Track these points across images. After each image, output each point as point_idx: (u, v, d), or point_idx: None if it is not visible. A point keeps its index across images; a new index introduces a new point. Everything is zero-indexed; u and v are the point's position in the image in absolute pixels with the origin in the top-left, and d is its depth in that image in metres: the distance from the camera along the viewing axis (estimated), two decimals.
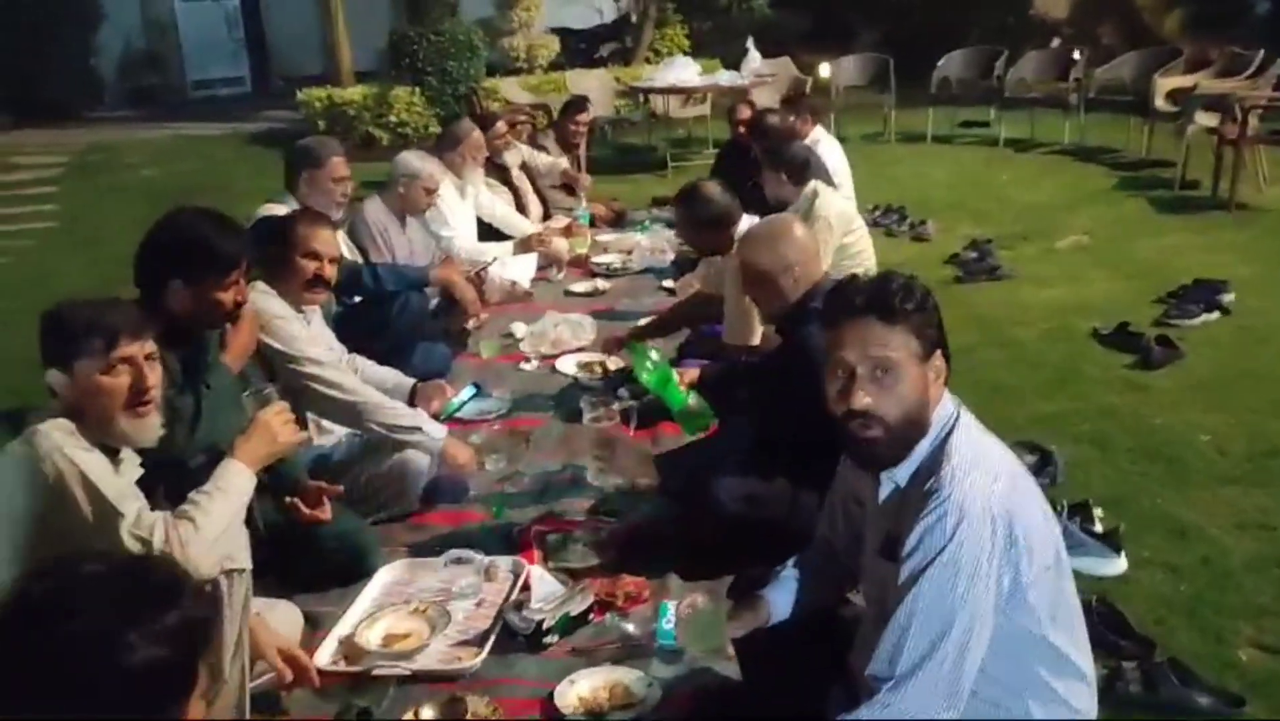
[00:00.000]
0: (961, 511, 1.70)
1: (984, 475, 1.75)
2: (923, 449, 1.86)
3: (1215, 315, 5.11)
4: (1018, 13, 14.60)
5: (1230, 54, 8.96)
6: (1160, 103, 8.53)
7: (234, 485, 2.18)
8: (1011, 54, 10.77)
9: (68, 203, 9.64)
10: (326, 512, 2.87)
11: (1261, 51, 8.25)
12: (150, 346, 2.14)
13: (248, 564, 2.14)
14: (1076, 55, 10.50)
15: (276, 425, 2.32)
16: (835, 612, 2.31)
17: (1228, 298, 5.26)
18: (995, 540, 1.70)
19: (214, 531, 2.04)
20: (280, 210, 3.87)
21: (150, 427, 2.15)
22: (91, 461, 1.99)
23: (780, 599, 2.30)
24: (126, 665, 1.16)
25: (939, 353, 1.85)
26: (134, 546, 1.94)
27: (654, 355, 3.44)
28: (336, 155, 4.28)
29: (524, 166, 6.81)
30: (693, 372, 3.46)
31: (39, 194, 10.12)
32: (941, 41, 11.65)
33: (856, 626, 2.16)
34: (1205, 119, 7.70)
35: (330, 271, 3.29)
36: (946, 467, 1.77)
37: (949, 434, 1.85)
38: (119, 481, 2.04)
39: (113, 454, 2.11)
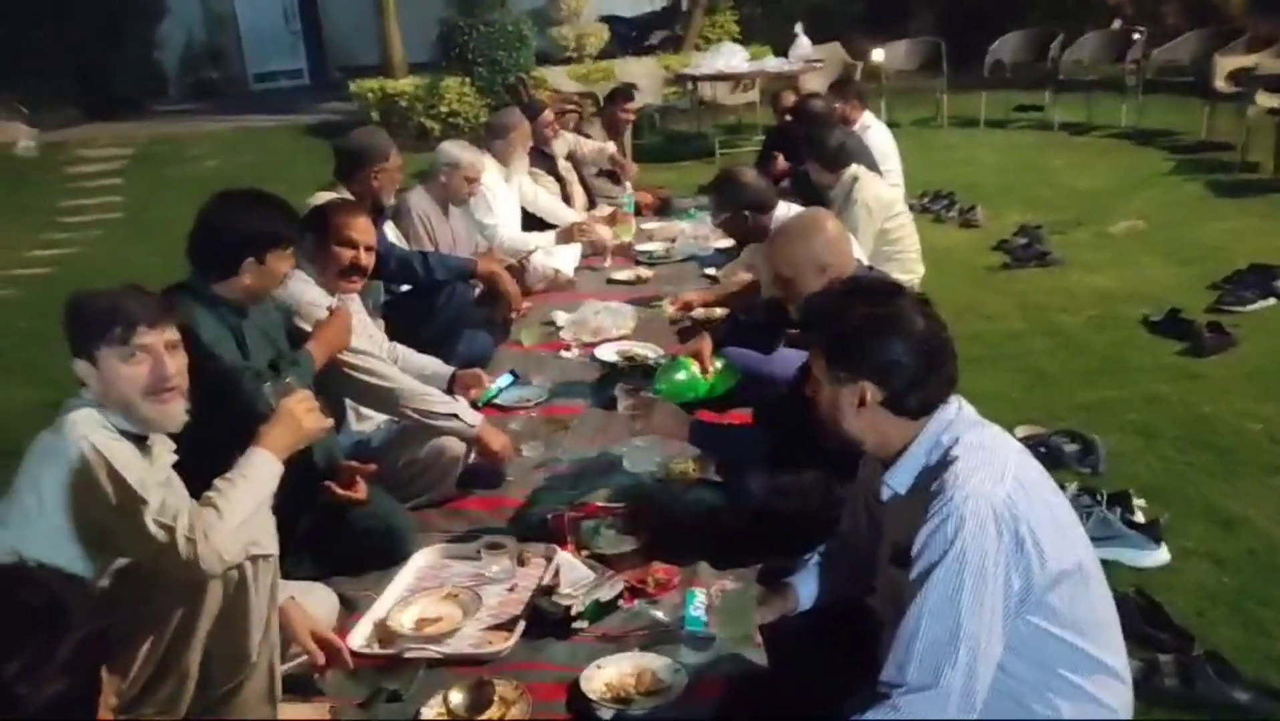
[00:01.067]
0: (964, 514, 1.69)
1: (988, 477, 1.73)
2: (917, 457, 1.86)
3: (1271, 301, 4.98)
4: None
5: None
6: (1221, 83, 8.31)
7: (258, 473, 2.21)
8: (1070, 35, 10.55)
9: (133, 194, 9.90)
10: (361, 492, 2.93)
11: None
12: (172, 334, 2.18)
13: (274, 549, 2.17)
14: (1137, 35, 10.26)
15: (300, 413, 2.35)
16: (864, 603, 2.29)
17: None
18: (1001, 542, 1.68)
19: (238, 518, 2.08)
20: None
21: (174, 414, 2.19)
22: (117, 449, 2.04)
23: (808, 587, 2.31)
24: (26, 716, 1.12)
25: (864, 383, 1.85)
26: (158, 534, 1.98)
27: (681, 374, 3.42)
28: (394, 147, 4.36)
29: (570, 156, 6.84)
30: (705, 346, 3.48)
31: (106, 185, 10.41)
32: (998, 24, 11.45)
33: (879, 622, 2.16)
34: (1267, 99, 7.48)
35: (367, 260, 3.33)
36: (949, 472, 1.76)
37: (949, 439, 1.84)
38: (144, 469, 2.08)
39: (141, 441, 2.16)
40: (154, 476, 2.09)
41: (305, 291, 3.23)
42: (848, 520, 2.29)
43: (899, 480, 1.88)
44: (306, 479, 2.94)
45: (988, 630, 1.68)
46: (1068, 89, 10.10)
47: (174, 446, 2.27)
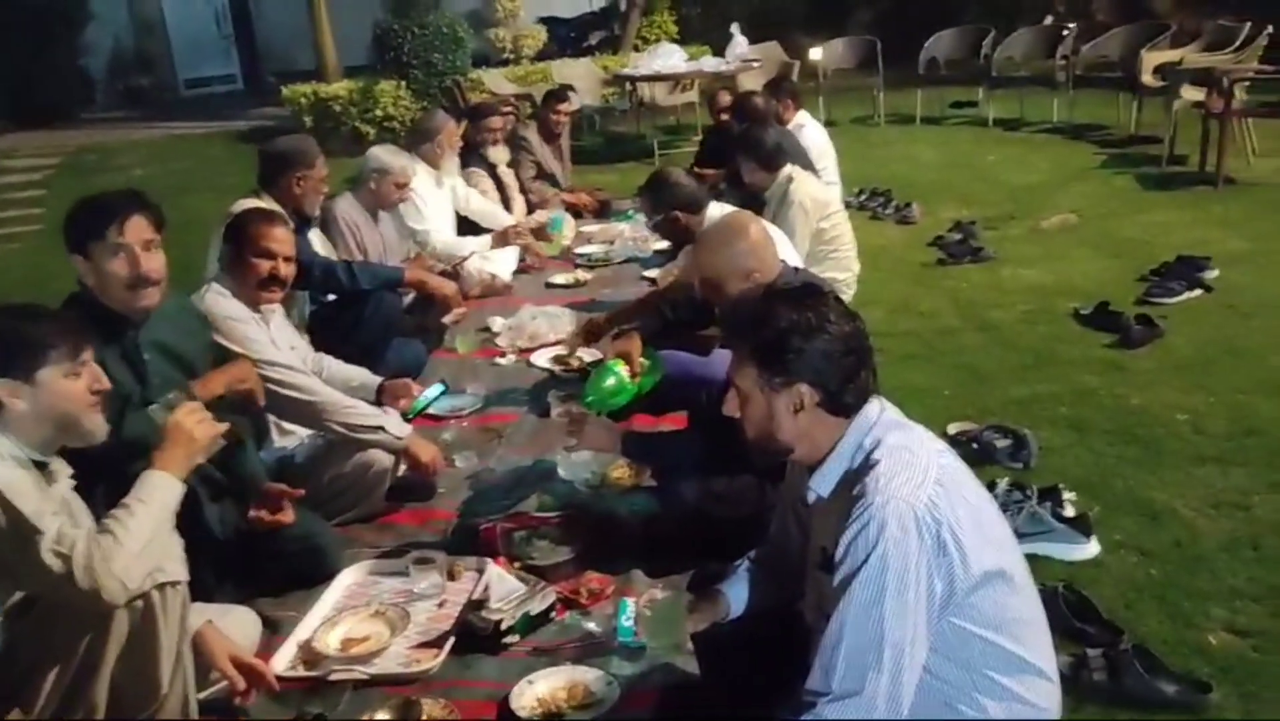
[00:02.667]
0: (885, 518, 1.67)
1: (909, 480, 1.72)
2: (841, 459, 1.85)
3: (1197, 292, 5.06)
4: None
5: (1216, 27, 8.87)
6: (1148, 78, 8.46)
7: (156, 496, 2.12)
8: (1005, 32, 10.70)
9: (58, 205, 9.60)
10: (289, 516, 2.85)
11: (1248, 24, 8.16)
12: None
13: (182, 575, 2.10)
14: (1066, 32, 10.42)
15: (189, 425, 2.24)
16: (794, 609, 2.27)
17: (1210, 274, 5.21)
18: (923, 545, 1.67)
19: (138, 544, 2.00)
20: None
21: (103, 423, 2.18)
22: (11, 477, 1.96)
23: (738, 594, 2.29)
24: None
25: (801, 386, 1.83)
26: (54, 564, 1.90)
27: (609, 380, 3.37)
28: (320, 155, 4.28)
29: (513, 162, 6.76)
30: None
31: (29, 197, 10.13)
32: (936, 21, 11.57)
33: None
34: (1191, 93, 7.63)
35: (286, 270, 3.25)
36: (870, 475, 1.75)
37: (871, 442, 1.83)
38: (41, 497, 2.00)
39: (43, 467, 2.08)
40: (51, 504, 2.01)
41: (221, 304, 3.15)
42: (777, 525, 2.27)
43: (823, 484, 1.87)
44: (227, 500, 2.88)
45: (911, 634, 1.67)
46: (1001, 85, 10.24)
47: (72, 471, 2.19)
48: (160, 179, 9.92)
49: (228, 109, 14.20)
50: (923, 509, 1.68)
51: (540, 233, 6.18)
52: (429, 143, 5.57)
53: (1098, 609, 2.68)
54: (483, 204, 6.06)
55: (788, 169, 4.86)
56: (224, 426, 2.30)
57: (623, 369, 3.35)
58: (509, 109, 7.48)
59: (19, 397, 2.06)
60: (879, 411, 1.87)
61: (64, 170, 10.92)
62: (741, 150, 4.92)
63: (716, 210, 3.99)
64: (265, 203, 3.99)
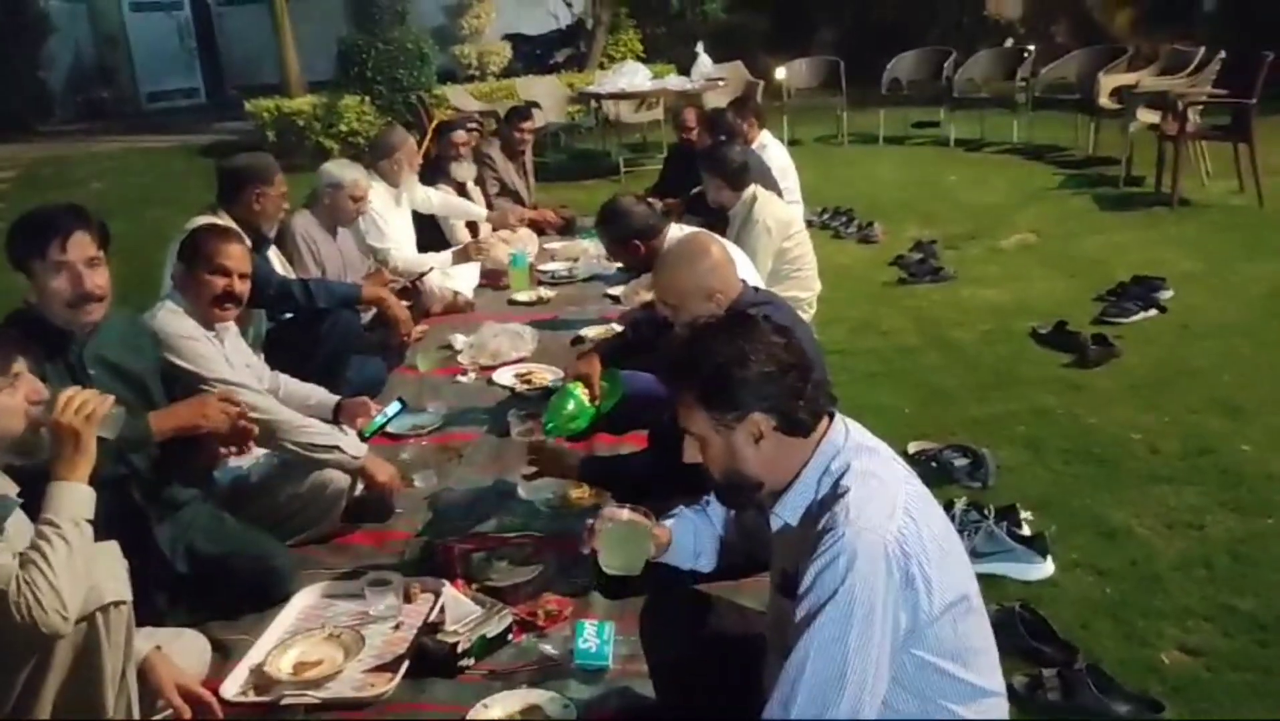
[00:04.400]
0: (855, 551, 1.64)
1: (879, 511, 1.70)
2: (808, 485, 1.82)
3: (1153, 313, 5.13)
4: (971, 13, 14.72)
5: (1171, 51, 9.04)
6: (1105, 100, 8.59)
7: (68, 507, 2.02)
8: (966, 54, 10.85)
9: (13, 218, 9.45)
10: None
11: (1202, 49, 8.32)
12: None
13: (125, 595, 2.05)
14: (1026, 54, 10.58)
15: (68, 420, 2.09)
16: (754, 635, 2.26)
17: (1165, 295, 5.28)
18: (891, 580, 1.65)
19: (65, 572, 1.92)
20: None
21: (45, 439, 2.11)
22: None
23: (684, 539, 2.24)
24: None
25: (754, 415, 1.78)
26: None
27: (569, 405, 3.33)
28: (279, 172, 4.23)
29: (479, 180, 6.74)
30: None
31: None
32: (897, 43, 11.72)
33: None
34: (1147, 116, 7.77)
35: (241, 287, 3.21)
36: (839, 505, 1.71)
37: (839, 466, 1.80)
38: None
39: None
40: None
41: (173, 322, 3.10)
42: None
43: (789, 510, 1.83)
44: (176, 517, 2.83)
45: (874, 669, 1.65)
46: (962, 106, 10.35)
47: (18, 490, 2.14)
48: (119, 192, 9.80)
49: (190, 123, 14.06)
50: (893, 542, 1.66)
51: (497, 276, 6.13)
52: (387, 159, 5.53)
53: (1053, 628, 2.69)
54: (446, 198, 6.03)
55: (752, 188, 4.87)
56: (109, 398, 2.17)
57: (582, 392, 3.33)
58: (473, 125, 7.47)
59: None
60: (844, 434, 1.85)
61: (21, 183, 10.73)
62: (708, 168, 4.92)
63: (676, 231, 3.99)
64: (222, 220, 3.95)
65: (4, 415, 2.06)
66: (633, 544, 2.13)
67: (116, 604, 2.01)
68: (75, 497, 2.05)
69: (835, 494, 1.77)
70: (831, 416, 1.89)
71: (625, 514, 2.16)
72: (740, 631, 2.28)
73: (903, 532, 1.69)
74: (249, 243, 3.59)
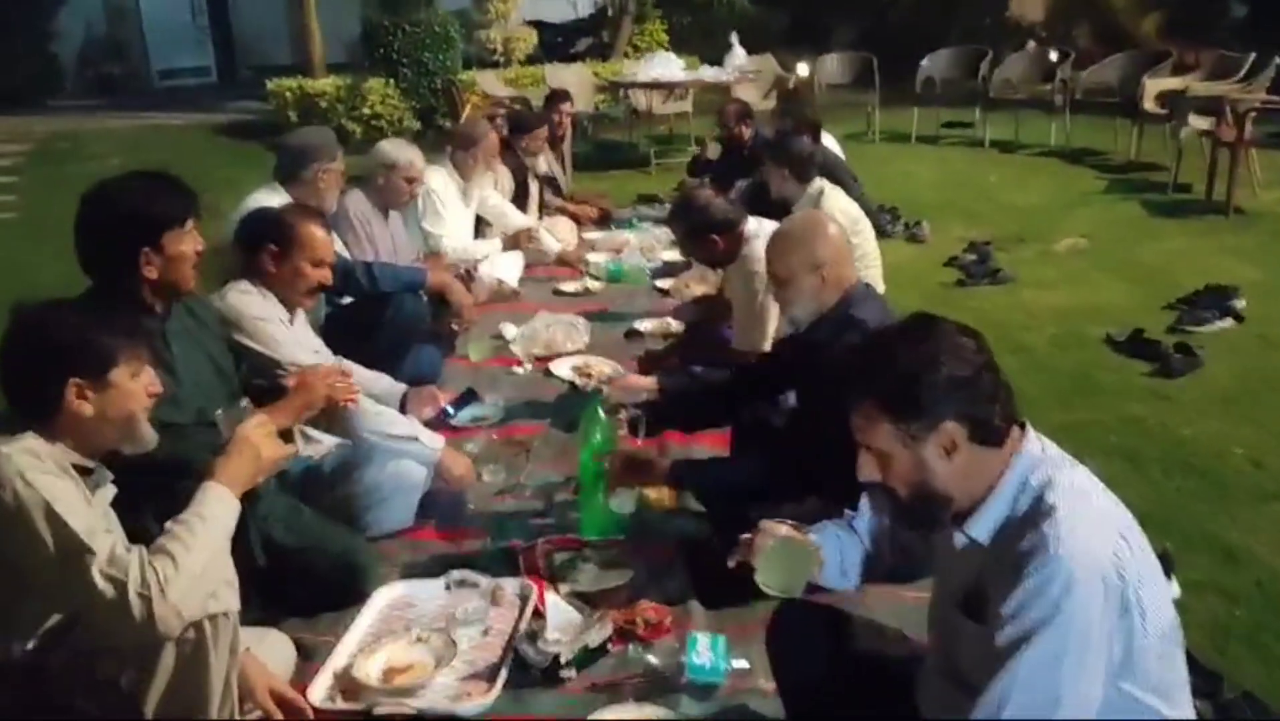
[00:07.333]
0: (1071, 575, 1.48)
1: (1093, 531, 1.53)
2: (1003, 500, 1.64)
3: (1230, 322, 4.96)
4: (995, 14, 14.55)
5: (1219, 57, 8.88)
6: (1150, 105, 8.43)
7: (216, 512, 1.91)
8: (995, 55, 10.66)
9: (30, 193, 9.24)
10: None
11: (1253, 54, 8.16)
12: None
13: (235, 604, 1.88)
14: (1053, 57, 10.42)
15: (258, 439, 2.05)
16: (893, 657, 2.09)
17: (1240, 304, 5.12)
18: (1108, 607, 1.49)
19: (197, 567, 1.78)
20: (273, 202, 3.60)
21: (152, 430, 2.00)
22: (59, 489, 1.74)
23: (831, 556, 2.06)
24: None
25: (946, 424, 1.60)
26: (106, 590, 1.68)
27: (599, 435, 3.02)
28: (340, 148, 4.09)
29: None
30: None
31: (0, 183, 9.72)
32: (921, 42, 11.52)
33: (910, 672, 1.95)
34: (1199, 122, 7.60)
35: (329, 276, 3.05)
36: (1049, 523, 1.54)
37: (1039, 481, 1.63)
38: (90, 512, 1.78)
39: (86, 474, 1.85)
40: (101, 519, 1.78)
41: (248, 303, 2.92)
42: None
43: (980, 530, 1.66)
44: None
45: (1085, 700, 1.49)
46: (996, 107, 10.18)
47: (113, 478, 1.96)
48: (140, 168, 9.55)
49: (202, 101, 13.81)
50: (1109, 566, 1.50)
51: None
52: (464, 151, 5.34)
53: (1194, 655, 2.52)
54: (499, 202, 5.85)
55: (819, 182, 4.70)
56: (292, 448, 2.11)
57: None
58: (506, 111, 7.28)
59: (86, 399, 1.86)
60: (1040, 445, 1.69)
61: (36, 157, 10.51)
62: (773, 157, 4.74)
63: (755, 225, 3.81)
64: (282, 197, 3.76)
65: (134, 401, 1.93)
66: (798, 564, 1.95)
67: (225, 613, 1.83)
68: (228, 504, 1.97)
69: (1039, 510, 1.59)
70: (1023, 425, 1.72)
71: (784, 529, 1.99)
72: (882, 651, 2.12)
73: (1118, 555, 1.53)
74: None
